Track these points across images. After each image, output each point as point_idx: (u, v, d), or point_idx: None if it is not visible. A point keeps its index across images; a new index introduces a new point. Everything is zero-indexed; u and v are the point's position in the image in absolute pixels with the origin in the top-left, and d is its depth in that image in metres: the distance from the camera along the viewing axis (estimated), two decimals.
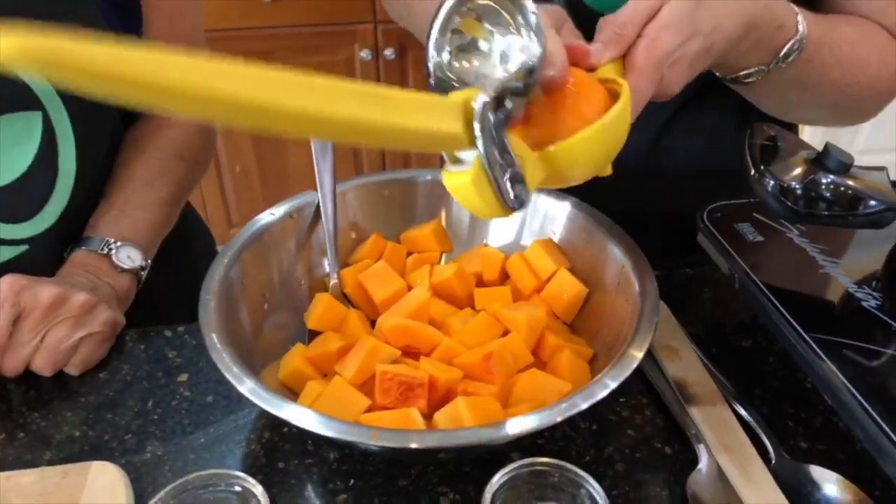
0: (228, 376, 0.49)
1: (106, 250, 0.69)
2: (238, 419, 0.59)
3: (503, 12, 0.44)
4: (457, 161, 0.44)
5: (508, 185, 0.42)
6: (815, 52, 0.57)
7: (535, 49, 0.43)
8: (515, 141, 0.44)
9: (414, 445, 0.44)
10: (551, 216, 0.67)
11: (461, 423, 0.48)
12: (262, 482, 0.53)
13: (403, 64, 1.92)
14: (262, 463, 0.56)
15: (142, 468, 0.56)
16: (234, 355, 0.50)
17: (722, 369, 0.62)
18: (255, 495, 0.48)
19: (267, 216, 0.64)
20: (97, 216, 0.72)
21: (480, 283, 0.67)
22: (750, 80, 0.57)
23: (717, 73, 0.58)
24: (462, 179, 0.43)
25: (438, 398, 0.53)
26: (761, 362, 0.65)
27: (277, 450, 0.57)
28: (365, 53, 1.87)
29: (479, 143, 0.41)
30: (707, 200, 0.69)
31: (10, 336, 0.60)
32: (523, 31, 0.44)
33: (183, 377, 0.64)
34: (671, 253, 0.72)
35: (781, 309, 0.56)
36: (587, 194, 0.65)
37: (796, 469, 0.52)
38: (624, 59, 0.50)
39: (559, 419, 0.45)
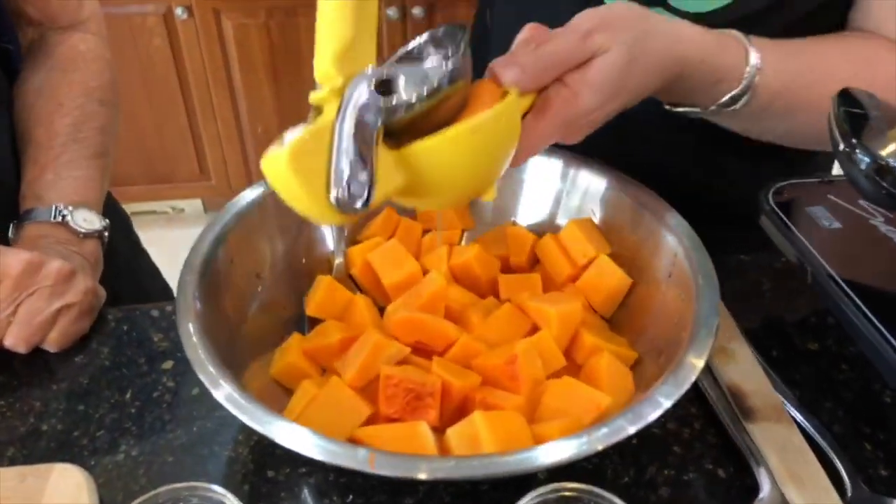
0: (202, 377, 0.41)
1: (60, 218, 0.61)
2: (225, 416, 0.52)
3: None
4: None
5: (347, 171, 0.37)
6: (776, 100, 0.52)
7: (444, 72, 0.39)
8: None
9: (420, 476, 0.36)
10: (592, 192, 0.58)
11: (479, 446, 0.40)
12: (246, 494, 0.47)
13: (432, 23, 1.82)
14: (248, 470, 0.49)
15: (112, 471, 0.49)
16: (213, 350, 0.43)
17: (784, 376, 0.53)
18: None
19: (263, 183, 0.56)
20: (31, 184, 0.64)
21: (506, 267, 0.59)
22: (687, 114, 0.54)
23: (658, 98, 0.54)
24: (283, 150, 0.36)
25: (452, 408, 0.45)
26: (831, 369, 0.56)
27: (268, 455, 0.50)
28: (392, 12, 1.77)
29: (350, 96, 0.37)
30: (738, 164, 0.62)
31: None
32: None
33: (167, 364, 0.57)
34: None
35: (865, 309, 0.47)
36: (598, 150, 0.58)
37: None
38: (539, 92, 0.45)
39: (600, 448, 0.36)
